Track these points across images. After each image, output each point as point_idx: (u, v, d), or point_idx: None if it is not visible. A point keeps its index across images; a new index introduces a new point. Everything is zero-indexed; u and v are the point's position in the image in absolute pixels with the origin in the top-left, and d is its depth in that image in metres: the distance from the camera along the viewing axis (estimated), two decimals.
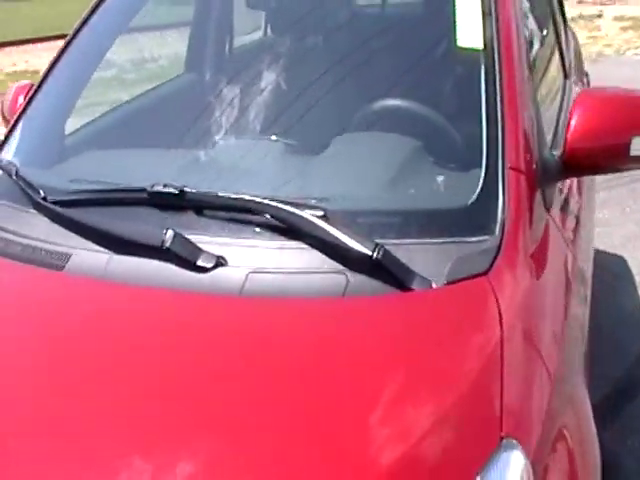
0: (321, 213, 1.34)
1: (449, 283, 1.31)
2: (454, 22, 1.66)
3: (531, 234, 1.44)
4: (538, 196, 1.51)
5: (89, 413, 1.14)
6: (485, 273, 1.32)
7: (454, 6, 1.69)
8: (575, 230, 1.83)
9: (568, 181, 1.89)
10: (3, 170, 1.60)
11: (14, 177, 1.54)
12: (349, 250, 1.30)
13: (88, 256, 1.38)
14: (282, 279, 1.31)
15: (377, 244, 1.30)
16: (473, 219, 1.41)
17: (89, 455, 1.08)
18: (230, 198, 1.39)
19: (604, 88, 1.70)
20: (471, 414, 1.16)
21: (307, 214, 1.33)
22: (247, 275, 1.31)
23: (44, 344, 1.27)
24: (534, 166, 1.52)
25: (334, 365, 1.20)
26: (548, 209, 1.57)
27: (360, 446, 1.09)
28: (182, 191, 1.39)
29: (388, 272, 1.29)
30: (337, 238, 1.30)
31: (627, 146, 1.56)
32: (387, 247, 1.30)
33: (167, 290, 1.31)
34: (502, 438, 1.13)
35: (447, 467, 1.10)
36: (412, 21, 2.12)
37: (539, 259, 1.45)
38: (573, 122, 1.58)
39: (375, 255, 1.28)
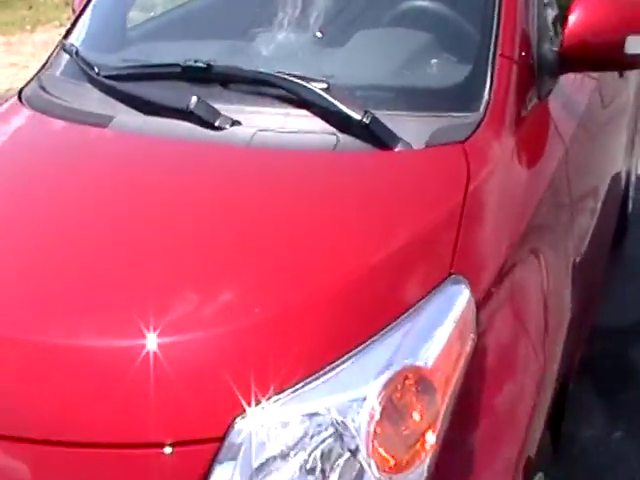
0: (324, 85, 1.57)
1: (428, 146, 1.52)
2: None
3: (516, 117, 1.62)
4: (531, 85, 1.70)
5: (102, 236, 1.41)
6: (462, 142, 1.52)
7: None
8: (579, 130, 1.97)
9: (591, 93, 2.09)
10: (66, 51, 1.92)
11: (74, 56, 1.86)
12: (342, 115, 1.53)
13: (127, 117, 1.68)
14: (283, 137, 1.57)
15: (367, 111, 1.52)
16: (460, 98, 1.61)
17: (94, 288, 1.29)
18: (247, 71, 1.66)
19: None
20: (426, 251, 1.35)
21: (310, 85, 1.57)
22: (255, 132, 1.57)
23: (77, 175, 1.62)
24: (529, 56, 1.69)
25: (316, 200, 1.46)
26: (541, 99, 1.75)
27: (320, 269, 1.30)
28: (209, 65, 1.66)
29: (373, 134, 1.51)
30: (333, 104, 1.54)
31: (622, 44, 1.68)
32: (377, 115, 1.52)
33: (187, 142, 1.60)
34: (451, 274, 1.30)
35: (394, 291, 1.29)
36: None
37: (522, 141, 1.62)
38: (572, 18, 1.71)
39: (363, 119, 1.51)
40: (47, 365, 1.19)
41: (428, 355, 1.20)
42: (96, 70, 1.77)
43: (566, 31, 1.72)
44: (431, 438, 1.16)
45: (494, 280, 1.38)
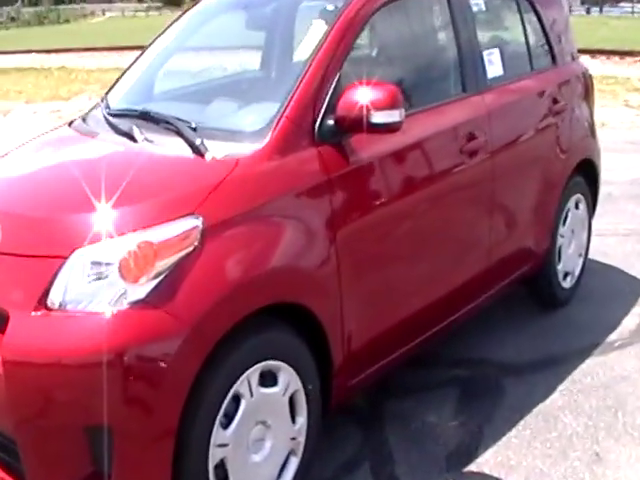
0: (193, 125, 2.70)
1: (221, 158, 2.58)
2: None
3: (285, 154, 2.59)
4: (305, 136, 2.63)
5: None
6: (238, 159, 2.55)
7: None
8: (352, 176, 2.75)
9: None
10: (102, 100, 3.30)
11: (102, 103, 3.25)
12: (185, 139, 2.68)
13: (104, 134, 2.96)
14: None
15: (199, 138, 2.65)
16: (248, 136, 2.64)
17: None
18: (159, 114, 2.86)
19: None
20: (172, 195, 2.44)
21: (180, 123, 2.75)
22: (143, 143, 2.76)
23: (60, 154, 3.00)
24: (309, 119, 2.64)
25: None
26: (317, 146, 2.65)
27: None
28: (142, 111, 2.92)
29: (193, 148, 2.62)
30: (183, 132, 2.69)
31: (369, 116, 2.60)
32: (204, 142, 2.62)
33: (116, 146, 2.84)
34: (193, 212, 2.33)
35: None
36: None
37: (281, 168, 2.58)
38: (341, 101, 2.65)
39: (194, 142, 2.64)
40: None
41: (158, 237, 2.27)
42: (107, 111, 3.11)
43: (337, 108, 2.64)
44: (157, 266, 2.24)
45: (219, 220, 2.36)
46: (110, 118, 3.01)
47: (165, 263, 2.23)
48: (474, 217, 3.37)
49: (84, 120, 3.20)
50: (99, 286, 2.21)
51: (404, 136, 2.83)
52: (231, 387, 2.35)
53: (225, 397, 2.34)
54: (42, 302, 2.22)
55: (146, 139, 2.72)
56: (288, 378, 2.53)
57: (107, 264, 2.22)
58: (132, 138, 2.75)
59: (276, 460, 2.58)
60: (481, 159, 3.29)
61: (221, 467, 2.40)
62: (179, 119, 2.71)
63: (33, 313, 2.21)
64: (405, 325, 3.03)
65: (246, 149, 2.56)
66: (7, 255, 2.36)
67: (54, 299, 2.21)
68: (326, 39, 2.77)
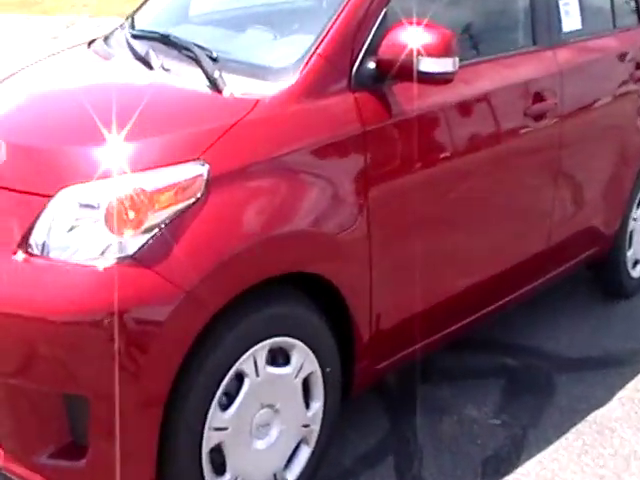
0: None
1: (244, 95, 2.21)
2: None
3: (315, 96, 2.21)
4: (340, 78, 2.26)
5: None
6: (260, 97, 2.18)
7: None
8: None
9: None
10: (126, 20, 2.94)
11: (126, 22, 2.91)
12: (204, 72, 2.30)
13: (120, 55, 2.64)
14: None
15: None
16: (278, 72, 2.25)
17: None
18: (179, 39, 2.49)
19: None
20: (177, 135, 2.07)
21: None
22: (160, 69, 2.41)
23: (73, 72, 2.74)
24: (347, 60, 2.26)
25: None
26: (354, 92, 2.26)
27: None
28: (162, 34, 2.55)
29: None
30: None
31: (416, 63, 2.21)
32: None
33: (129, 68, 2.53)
34: (199, 158, 1.99)
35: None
36: None
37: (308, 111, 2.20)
38: (384, 42, 2.27)
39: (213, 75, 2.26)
40: None
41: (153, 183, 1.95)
42: (130, 32, 2.74)
43: (380, 49, 2.27)
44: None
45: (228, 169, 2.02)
46: (131, 40, 2.66)
47: (159, 215, 1.91)
48: (535, 188, 2.96)
49: (106, 40, 2.86)
50: (85, 234, 1.91)
51: (458, 89, 2.45)
52: (233, 364, 2.04)
53: (225, 375, 2.03)
54: (23, 245, 1.94)
55: (162, 66, 2.38)
56: (302, 358, 2.21)
57: (94, 209, 1.92)
58: (148, 64, 2.42)
59: (283, 448, 2.26)
60: (548, 123, 2.88)
61: (218, 452, 2.11)
62: (200, 47, 2.35)
63: (13, 257, 1.94)
64: (447, 305, 2.66)
65: (270, 88, 2.20)
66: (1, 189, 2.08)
67: (36, 243, 1.93)
68: None
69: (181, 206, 1.93)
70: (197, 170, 1.97)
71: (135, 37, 2.67)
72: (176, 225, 1.92)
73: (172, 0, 3.08)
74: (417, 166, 2.39)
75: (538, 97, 2.82)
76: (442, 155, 2.48)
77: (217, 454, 2.10)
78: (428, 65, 2.21)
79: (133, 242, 1.89)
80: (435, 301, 2.62)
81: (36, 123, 2.28)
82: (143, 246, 1.89)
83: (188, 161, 1.98)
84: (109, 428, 1.89)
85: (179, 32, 2.58)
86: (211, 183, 1.97)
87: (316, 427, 2.32)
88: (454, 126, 2.54)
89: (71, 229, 1.93)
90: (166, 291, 1.88)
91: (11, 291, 1.93)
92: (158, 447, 1.95)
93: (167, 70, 2.36)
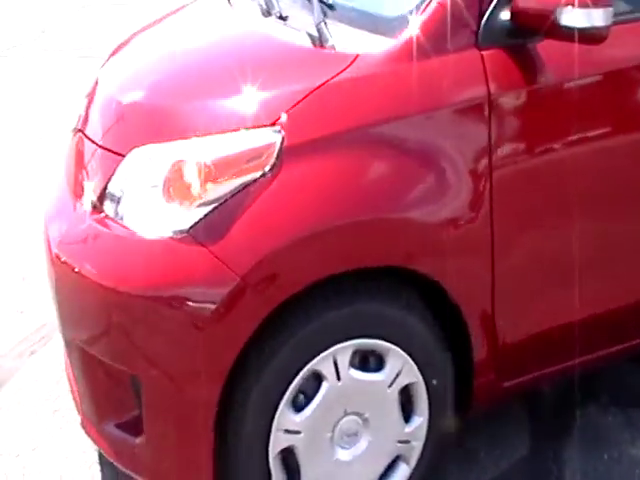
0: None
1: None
2: None
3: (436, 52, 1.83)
4: (464, 32, 1.86)
5: None
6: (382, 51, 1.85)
7: None
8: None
9: None
10: None
11: None
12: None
13: (244, 4, 2.35)
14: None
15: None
16: (396, 24, 1.89)
17: None
18: None
19: None
20: (254, 95, 1.82)
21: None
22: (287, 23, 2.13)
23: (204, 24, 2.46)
24: (475, 7, 1.86)
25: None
26: (480, 49, 1.87)
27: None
28: None
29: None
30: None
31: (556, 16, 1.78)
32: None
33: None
34: (274, 123, 1.75)
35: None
36: None
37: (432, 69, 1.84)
38: None
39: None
40: None
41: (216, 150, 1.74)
42: None
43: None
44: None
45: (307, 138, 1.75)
46: None
47: (220, 188, 1.70)
48: None
49: None
50: (142, 201, 1.80)
51: (611, 52, 1.95)
52: (306, 363, 1.79)
53: (297, 374, 1.79)
54: (99, 206, 1.88)
55: (280, 14, 2.14)
56: (399, 366, 1.90)
57: (153, 174, 1.79)
58: (267, 11, 2.20)
59: (373, 463, 1.98)
60: None
61: (293, 457, 1.88)
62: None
63: (91, 216, 1.89)
64: (605, 317, 2.18)
65: (377, 42, 1.88)
66: (103, 149, 2.02)
67: (108, 205, 1.87)
68: None
69: (247, 178, 1.71)
70: (268, 138, 1.73)
71: None
72: (239, 200, 1.70)
73: None
74: (559, 144, 1.94)
75: None
76: (591, 133, 1.99)
77: (292, 459, 1.89)
78: (574, 18, 1.76)
79: (187, 216, 1.70)
80: (593, 310, 2.14)
81: (133, 80, 2.19)
82: (199, 222, 1.69)
83: (259, 127, 1.75)
84: (161, 409, 1.80)
85: None
86: (284, 154, 1.72)
87: (418, 444, 2.00)
88: (607, 98, 2.03)
89: (138, 194, 1.81)
90: (219, 274, 1.68)
91: (82, 251, 1.91)
92: (217, 439, 1.79)
93: (284, 19, 2.13)
